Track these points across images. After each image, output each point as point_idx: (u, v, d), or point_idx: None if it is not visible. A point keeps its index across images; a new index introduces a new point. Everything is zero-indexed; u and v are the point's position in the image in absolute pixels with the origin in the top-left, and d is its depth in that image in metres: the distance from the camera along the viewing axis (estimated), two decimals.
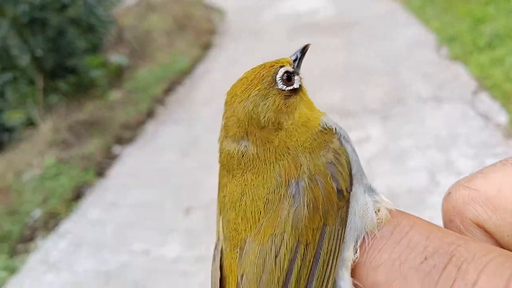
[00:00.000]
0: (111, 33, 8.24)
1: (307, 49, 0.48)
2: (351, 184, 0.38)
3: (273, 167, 0.39)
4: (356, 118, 4.04)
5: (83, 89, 6.75)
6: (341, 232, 0.36)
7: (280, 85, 0.43)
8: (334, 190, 0.37)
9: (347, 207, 0.37)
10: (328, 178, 0.37)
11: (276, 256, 0.35)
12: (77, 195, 4.31)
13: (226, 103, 0.44)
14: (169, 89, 6.14)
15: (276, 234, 0.36)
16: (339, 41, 6.12)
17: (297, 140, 0.40)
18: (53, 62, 6.78)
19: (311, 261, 0.35)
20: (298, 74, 0.46)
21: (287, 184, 0.37)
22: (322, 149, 0.39)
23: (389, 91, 4.35)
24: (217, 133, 0.45)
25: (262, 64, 0.45)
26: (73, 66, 6.91)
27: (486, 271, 0.29)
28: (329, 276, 0.35)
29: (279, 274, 0.35)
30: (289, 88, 0.44)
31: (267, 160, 0.39)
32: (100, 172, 4.58)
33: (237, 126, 0.42)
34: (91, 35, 7.44)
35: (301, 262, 0.35)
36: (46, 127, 5.59)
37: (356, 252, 0.35)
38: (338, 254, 0.36)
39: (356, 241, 0.36)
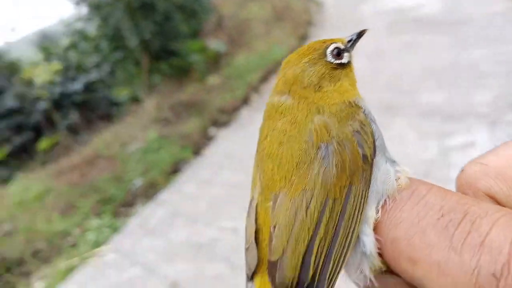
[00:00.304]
0: (211, 20, 8.61)
1: (364, 33, 0.52)
2: (374, 152, 0.42)
3: (306, 120, 0.43)
4: (461, 122, 3.81)
5: (183, 72, 7.15)
6: (365, 192, 0.40)
7: (329, 58, 0.48)
8: (360, 154, 0.41)
9: (371, 171, 0.41)
10: (355, 143, 0.41)
11: (307, 208, 0.39)
12: (175, 170, 4.64)
13: (281, 69, 0.50)
14: (265, 78, 6.26)
15: (307, 189, 0.40)
16: (445, 39, 5.76)
17: (327, 102, 0.45)
18: (159, 45, 7.25)
19: (338, 214, 0.39)
20: (349, 51, 0.50)
21: (317, 147, 0.41)
22: (350, 119, 0.43)
23: (501, 96, 4.03)
24: None
25: (317, 40, 0.50)
26: (175, 50, 7.34)
27: (498, 224, 0.31)
28: (353, 230, 0.39)
29: (309, 224, 0.38)
30: (337, 61, 0.48)
31: (300, 112, 0.44)
32: (197, 151, 4.87)
33: (283, 84, 0.47)
34: (193, 21, 7.82)
35: (329, 215, 0.39)
36: (150, 104, 6.06)
37: (378, 212, 0.39)
38: (362, 211, 0.39)
39: (378, 203, 0.39)
